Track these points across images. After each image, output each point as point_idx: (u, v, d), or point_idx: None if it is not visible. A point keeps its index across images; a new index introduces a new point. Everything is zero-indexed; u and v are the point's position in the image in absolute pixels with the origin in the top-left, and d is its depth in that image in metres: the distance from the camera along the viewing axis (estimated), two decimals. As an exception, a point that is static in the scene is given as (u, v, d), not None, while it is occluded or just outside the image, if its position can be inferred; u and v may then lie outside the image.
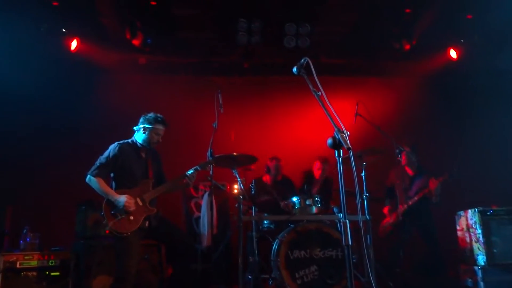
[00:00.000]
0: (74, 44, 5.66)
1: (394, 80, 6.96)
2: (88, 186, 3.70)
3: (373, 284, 2.23)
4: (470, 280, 4.51)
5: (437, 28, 5.99)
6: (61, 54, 5.62)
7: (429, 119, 6.67)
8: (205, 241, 4.94)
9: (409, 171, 5.37)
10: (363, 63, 6.78)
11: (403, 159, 5.32)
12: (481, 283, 4.33)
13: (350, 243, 2.07)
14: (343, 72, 6.83)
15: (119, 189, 3.72)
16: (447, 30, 6.06)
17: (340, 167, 2.25)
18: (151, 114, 3.92)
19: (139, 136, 3.93)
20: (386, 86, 6.89)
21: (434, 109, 6.74)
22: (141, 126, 3.89)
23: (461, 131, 6.53)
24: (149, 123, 3.88)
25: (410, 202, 5.10)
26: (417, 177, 5.29)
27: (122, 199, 3.58)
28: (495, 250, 4.40)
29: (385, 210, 5.45)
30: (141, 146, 3.93)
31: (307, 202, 4.50)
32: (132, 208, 3.60)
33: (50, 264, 3.98)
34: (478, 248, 4.47)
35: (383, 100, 6.55)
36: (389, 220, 5.33)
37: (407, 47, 6.20)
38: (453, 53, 6.37)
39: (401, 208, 5.17)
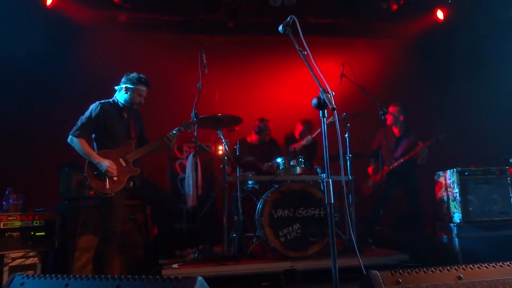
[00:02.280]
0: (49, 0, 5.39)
1: (381, 42, 6.91)
2: (71, 147, 3.65)
3: (354, 241, 2.30)
4: (445, 236, 4.71)
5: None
6: (36, 10, 5.35)
7: (414, 81, 6.69)
8: (190, 201, 5.00)
9: (396, 131, 5.45)
10: (350, 23, 6.67)
11: (388, 119, 5.37)
12: (456, 239, 4.51)
13: (332, 201, 2.12)
14: (329, 32, 6.71)
15: (101, 150, 3.69)
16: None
17: (324, 127, 2.26)
18: (134, 74, 3.83)
19: (121, 96, 3.86)
20: (372, 47, 6.84)
21: (420, 71, 6.76)
22: (123, 86, 3.81)
23: (445, 92, 6.60)
24: (132, 83, 3.81)
25: (396, 163, 5.21)
26: (403, 137, 5.38)
27: (105, 163, 3.56)
28: (470, 208, 4.56)
29: (369, 169, 5.57)
30: (123, 106, 3.86)
31: (291, 163, 4.55)
32: (115, 173, 3.59)
33: (35, 224, 3.98)
34: (455, 206, 4.63)
35: (369, 62, 6.52)
36: (373, 179, 5.46)
37: (395, 7, 6.13)
38: (440, 14, 6.32)
39: (386, 169, 5.28)
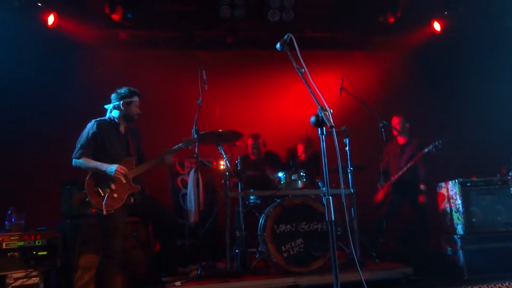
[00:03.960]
0: (51, 19, 5.47)
1: (379, 54, 6.96)
2: (71, 166, 3.66)
3: (354, 255, 2.29)
4: (450, 248, 4.68)
5: (421, 0, 5.97)
6: (38, 30, 5.42)
7: (413, 92, 6.72)
8: (192, 217, 4.99)
9: (400, 141, 5.47)
10: (348, 37, 6.73)
11: (394, 128, 5.40)
12: (460, 251, 4.48)
13: (333, 219, 2.12)
14: (328, 46, 6.78)
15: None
16: (431, 2, 6.05)
17: (323, 145, 2.27)
18: (124, 89, 3.89)
19: (116, 113, 3.88)
20: (371, 59, 6.89)
21: (418, 82, 6.79)
22: (118, 102, 3.84)
23: (445, 104, 6.62)
24: (127, 97, 3.85)
25: (400, 173, 5.24)
26: (406, 145, 5.43)
27: (113, 167, 3.58)
28: (474, 220, 4.54)
29: (380, 186, 5.59)
30: (119, 122, 3.89)
31: (293, 177, 4.55)
32: (124, 172, 3.61)
33: (37, 244, 3.97)
34: (458, 218, 4.60)
35: (367, 74, 6.56)
36: (381, 192, 5.48)
37: (392, 20, 6.19)
38: (437, 26, 6.38)
39: (392, 179, 5.32)
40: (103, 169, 3.60)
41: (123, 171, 3.63)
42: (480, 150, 6.04)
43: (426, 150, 5.06)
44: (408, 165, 5.20)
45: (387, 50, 6.89)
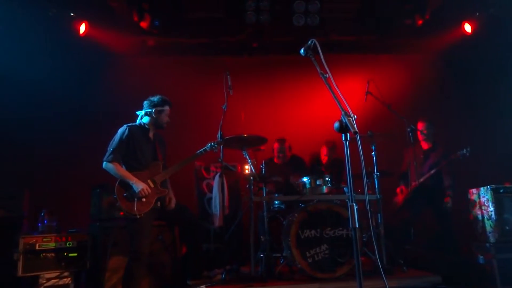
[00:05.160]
0: (82, 28, 5.67)
1: (406, 57, 6.81)
2: (101, 169, 3.78)
3: (379, 262, 2.25)
4: (481, 257, 4.51)
5: (451, 1, 5.82)
6: (70, 39, 5.64)
7: (442, 97, 6.55)
8: (217, 221, 5.03)
9: (424, 146, 5.35)
10: (374, 40, 6.62)
11: (421, 132, 5.29)
12: (493, 260, 4.32)
13: (357, 225, 2.09)
14: (353, 49, 6.71)
15: (130, 172, 3.79)
16: (461, 4, 5.88)
17: (347, 151, 2.25)
18: (157, 97, 4.00)
19: (146, 119, 3.98)
20: (398, 63, 6.77)
21: (448, 86, 6.62)
22: (150, 110, 3.95)
23: (474, 108, 6.41)
24: (159, 105, 3.95)
25: (423, 178, 5.10)
26: (431, 151, 5.28)
27: (140, 186, 3.66)
28: (507, 227, 4.37)
29: (398, 190, 5.46)
30: (149, 128, 3.99)
31: (318, 182, 4.51)
32: (146, 196, 3.68)
33: (68, 245, 4.11)
34: (490, 225, 4.44)
35: (394, 78, 6.45)
36: (400, 197, 5.36)
37: (420, 22, 6.06)
38: (467, 28, 6.20)
39: (414, 184, 5.18)
40: (130, 183, 3.69)
41: (146, 192, 3.69)
42: (512, 156, 5.81)
43: (453, 157, 4.89)
44: (432, 171, 5.05)
45: (414, 53, 6.74)
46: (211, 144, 4.11)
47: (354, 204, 2.11)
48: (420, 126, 5.33)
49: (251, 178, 4.37)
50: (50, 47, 5.46)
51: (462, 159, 4.81)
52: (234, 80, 4.44)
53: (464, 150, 4.80)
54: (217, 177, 5.23)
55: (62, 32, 5.57)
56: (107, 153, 3.79)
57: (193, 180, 5.63)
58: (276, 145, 5.55)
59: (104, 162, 3.77)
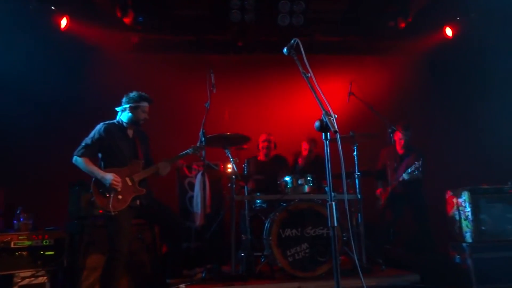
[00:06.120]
0: (64, 22, 5.57)
1: (389, 59, 6.90)
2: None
3: (357, 261, 2.27)
4: (458, 256, 4.61)
5: (433, 5, 5.93)
6: (51, 33, 5.52)
7: (422, 98, 6.65)
8: (199, 220, 5.00)
9: (399, 150, 5.40)
10: (358, 41, 6.70)
11: (397, 137, 5.33)
12: (469, 260, 4.41)
13: (335, 224, 2.10)
14: (337, 50, 6.76)
15: (108, 169, 3.74)
16: (443, 8, 5.99)
17: (327, 150, 2.26)
18: (134, 93, 3.94)
19: (124, 116, 3.94)
20: (380, 64, 6.84)
21: (428, 88, 6.72)
22: (126, 106, 3.89)
23: (454, 110, 6.54)
24: (134, 101, 3.90)
25: (394, 185, 5.17)
26: (405, 156, 5.32)
27: (109, 176, 3.61)
28: (483, 228, 4.47)
29: (378, 192, 5.52)
30: (127, 125, 3.94)
31: (299, 182, 4.52)
32: (119, 186, 3.63)
33: (44, 243, 4.02)
34: (467, 225, 4.53)
35: (377, 79, 6.52)
36: (383, 197, 5.43)
37: (403, 25, 6.17)
38: (448, 31, 6.32)
39: (388, 190, 5.25)
40: (99, 177, 3.63)
41: (117, 183, 3.63)
42: (491, 158, 5.94)
43: (405, 176, 4.87)
44: (397, 181, 5.10)
45: (397, 55, 6.83)
46: (194, 147, 4.09)
47: (333, 203, 2.12)
48: (397, 136, 5.35)
49: (233, 177, 4.36)
50: (30, 41, 5.34)
51: (415, 173, 4.74)
52: (218, 78, 4.42)
53: (417, 163, 4.72)
54: (199, 175, 5.20)
55: (43, 26, 5.45)
56: (79, 148, 3.74)
57: (175, 178, 5.59)
58: (262, 139, 5.54)
59: (74, 156, 3.72)
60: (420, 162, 4.61)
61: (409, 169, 4.75)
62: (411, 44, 6.56)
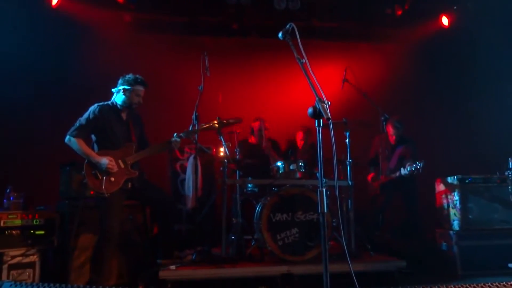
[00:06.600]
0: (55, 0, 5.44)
1: (385, 46, 6.87)
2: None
3: (345, 247, 2.30)
4: (445, 243, 4.71)
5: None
6: (42, 9, 5.39)
7: (417, 87, 6.66)
8: (190, 202, 5.01)
9: (391, 140, 5.43)
10: (355, 27, 6.65)
11: (388, 127, 5.35)
12: (455, 247, 4.52)
13: (325, 210, 2.13)
14: (334, 36, 6.70)
15: (101, 151, 3.73)
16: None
17: (319, 136, 2.27)
18: (130, 75, 3.88)
19: (118, 98, 3.89)
20: (376, 52, 6.82)
21: (423, 77, 6.73)
22: (121, 88, 3.85)
23: (448, 99, 6.57)
24: (129, 84, 3.84)
25: (388, 178, 5.20)
26: (397, 146, 5.34)
27: (104, 161, 3.60)
28: (470, 216, 4.56)
29: (369, 177, 5.56)
30: (121, 107, 3.90)
31: (291, 167, 4.54)
32: (114, 169, 3.62)
33: (34, 223, 4.01)
34: (455, 214, 4.62)
35: (372, 66, 6.51)
36: (373, 186, 5.48)
37: (399, 12, 6.12)
38: (445, 20, 6.30)
39: (382, 178, 5.29)
40: (94, 161, 3.61)
41: (113, 166, 3.62)
42: (481, 148, 6.01)
43: (403, 172, 4.83)
44: (392, 175, 5.13)
45: (393, 43, 6.81)
46: (186, 131, 4.07)
47: (324, 189, 2.14)
48: (389, 130, 5.34)
49: (225, 160, 4.37)
50: (19, 18, 5.21)
51: (414, 172, 4.67)
52: (213, 62, 4.38)
53: (419, 164, 4.61)
54: (191, 158, 5.19)
55: (33, 3, 5.32)
56: (73, 128, 3.71)
57: (167, 161, 5.58)
58: (256, 124, 5.53)
59: (68, 136, 3.69)
60: (422, 163, 4.58)
61: (409, 168, 4.72)
62: (406, 32, 6.55)
